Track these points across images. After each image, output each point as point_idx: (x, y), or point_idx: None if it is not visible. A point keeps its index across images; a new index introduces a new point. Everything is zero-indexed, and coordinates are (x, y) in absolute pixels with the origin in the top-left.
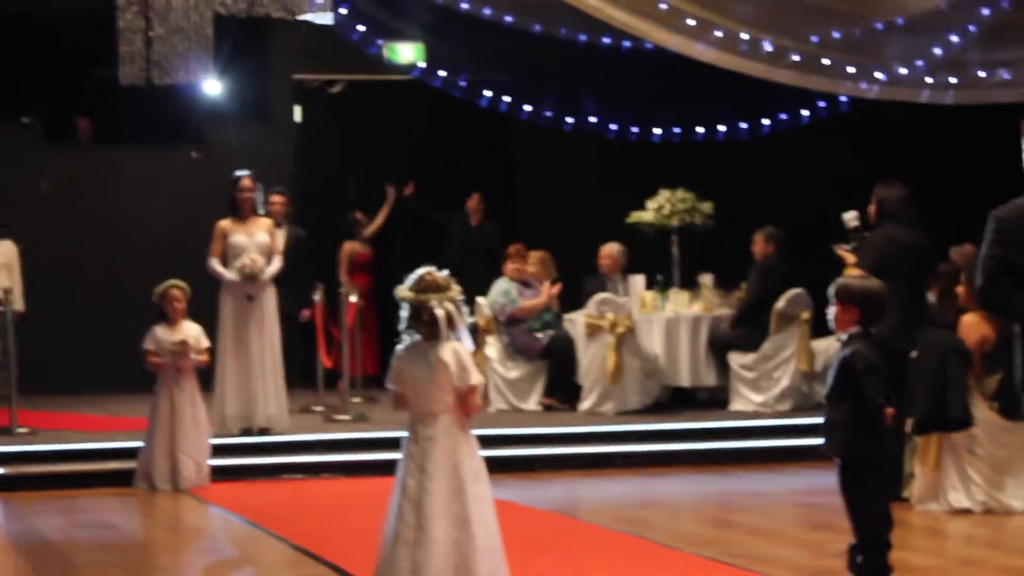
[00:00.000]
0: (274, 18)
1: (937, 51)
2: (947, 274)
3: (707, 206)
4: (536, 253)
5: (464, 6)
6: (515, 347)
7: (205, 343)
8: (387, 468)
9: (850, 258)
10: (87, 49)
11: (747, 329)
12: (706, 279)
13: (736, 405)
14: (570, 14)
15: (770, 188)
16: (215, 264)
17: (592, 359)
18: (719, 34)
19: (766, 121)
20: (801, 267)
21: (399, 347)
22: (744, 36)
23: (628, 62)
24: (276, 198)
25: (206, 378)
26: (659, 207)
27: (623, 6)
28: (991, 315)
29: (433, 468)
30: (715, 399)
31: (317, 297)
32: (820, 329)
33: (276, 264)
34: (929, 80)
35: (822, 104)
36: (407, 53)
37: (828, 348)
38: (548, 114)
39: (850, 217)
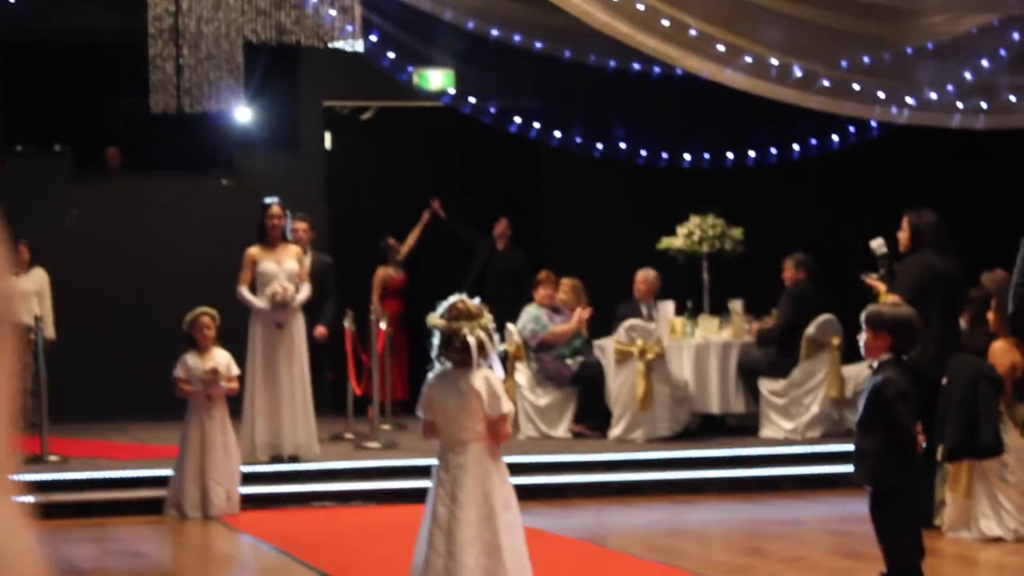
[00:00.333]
0: (304, 45)
1: (967, 76)
2: (978, 300)
3: (737, 232)
4: (567, 280)
5: (494, 33)
6: (545, 374)
7: (235, 370)
8: (417, 496)
9: (881, 287)
10: (118, 77)
11: (777, 355)
12: (736, 305)
13: (766, 432)
14: (600, 40)
15: (800, 214)
16: (244, 292)
17: (621, 386)
18: (749, 60)
19: (796, 146)
20: (831, 293)
21: (430, 375)
22: (774, 61)
23: (658, 88)
24: (300, 224)
25: (235, 406)
26: (689, 233)
27: (653, 32)
28: (1022, 341)
29: (464, 496)
30: (745, 426)
31: (347, 324)
32: (851, 355)
33: (305, 291)
34: (959, 105)
35: (852, 129)
36: (437, 80)
37: (859, 374)
38: (578, 140)
39: (877, 245)
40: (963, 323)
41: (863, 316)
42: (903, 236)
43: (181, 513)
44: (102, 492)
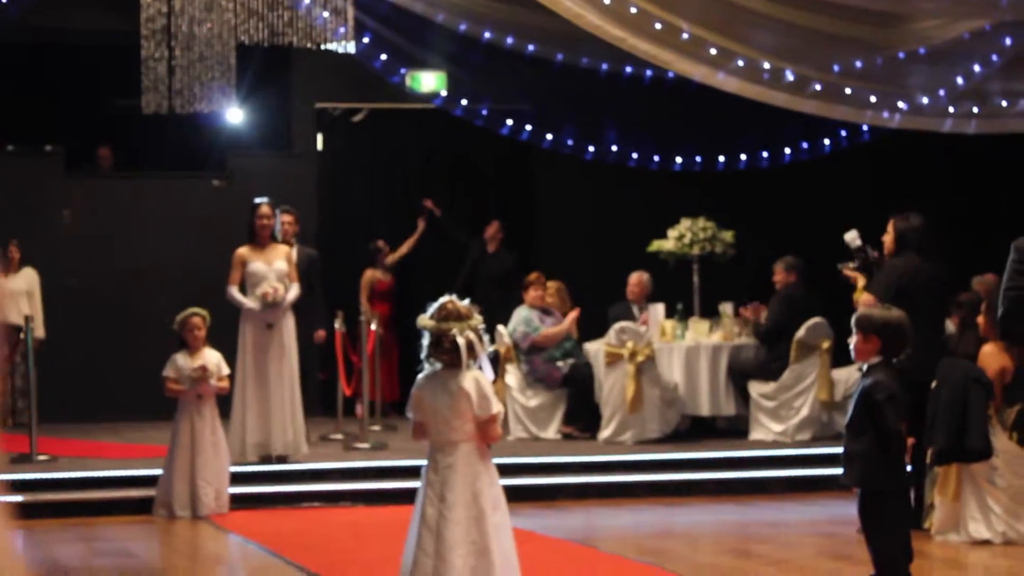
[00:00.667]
0: (297, 47)
1: (959, 80)
2: (968, 304)
3: (728, 235)
4: (552, 283)
5: (487, 35)
6: (535, 376)
7: (226, 370)
8: (407, 497)
9: (860, 279)
10: (110, 78)
11: (767, 358)
12: (726, 308)
13: (756, 434)
14: (592, 43)
15: (791, 217)
16: (234, 292)
17: (611, 388)
18: (741, 63)
19: (788, 150)
20: (822, 296)
21: (420, 376)
22: (766, 65)
23: (650, 91)
24: (286, 217)
25: (223, 406)
26: (680, 236)
27: (646, 36)
28: (1012, 345)
29: (452, 497)
30: (735, 428)
31: (337, 325)
32: (841, 358)
33: (295, 291)
34: (951, 109)
35: (844, 133)
36: (429, 82)
37: (848, 378)
38: (569, 143)
39: (851, 237)
40: (953, 327)
41: (853, 319)
42: (888, 239)
43: (170, 512)
44: (91, 491)
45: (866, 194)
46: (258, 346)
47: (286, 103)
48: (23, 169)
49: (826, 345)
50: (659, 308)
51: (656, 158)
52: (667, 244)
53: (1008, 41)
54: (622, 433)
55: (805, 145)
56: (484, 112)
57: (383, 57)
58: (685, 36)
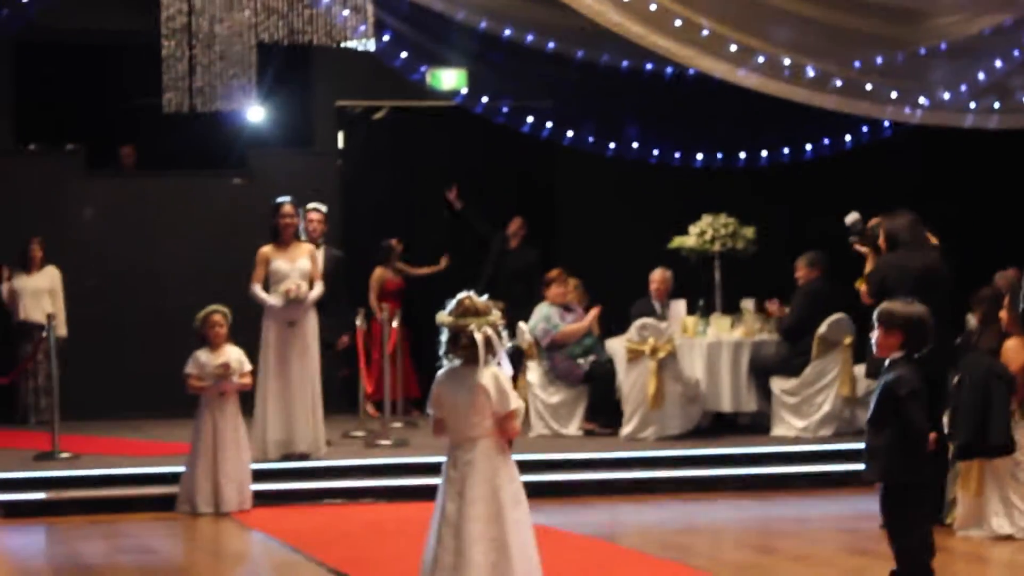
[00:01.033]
0: (317, 45)
1: (981, 76)
2: (990, 299)
3: (749, 231)
4: (570, 280)
5: (507, 33)
6: (556, 372)
7: (248, 366)
8: (428, 493)
9: (870, 256)
10: (131, 77)
11: (789, 354)
12: (748, 304)
13: (778, 430)
14: (613, 40)
15: (813, 213)
16: (257, 289)
17: (633, 384)
18: (762, 60)
19: (809, 146)
20: (844, 292)
21: (439, 372)
22: (787, 61)
23: (671, 88)
24: (314, 215)
25: (245, 404)
26: (701, 232)
27: (666, 32)
28: None
29: (472, 493)
30: (756, 424)
31: (358, 322)
32: (863, 354)
33: (318, 289)
34: (973, 105)
35: (865, 129)
36: (450, 79)
37: None
38: (590, 139)
39: (851, 219)
40: (974, 322)
41: (875, 314)
42: (881, 241)
43: (193, 509)
44: (113, 489)
45: (888, 189)
46: (280, 344)
47: (307, 101)
48: (45, 168)
49: (848, 341)
50: (681, 304)
51: (677, 154)
52: (688, 240)
53: None
54: (644, 429)
55: (826, 141)
56: (505, 109)
57: (403, 55)
58: (705, 32)
